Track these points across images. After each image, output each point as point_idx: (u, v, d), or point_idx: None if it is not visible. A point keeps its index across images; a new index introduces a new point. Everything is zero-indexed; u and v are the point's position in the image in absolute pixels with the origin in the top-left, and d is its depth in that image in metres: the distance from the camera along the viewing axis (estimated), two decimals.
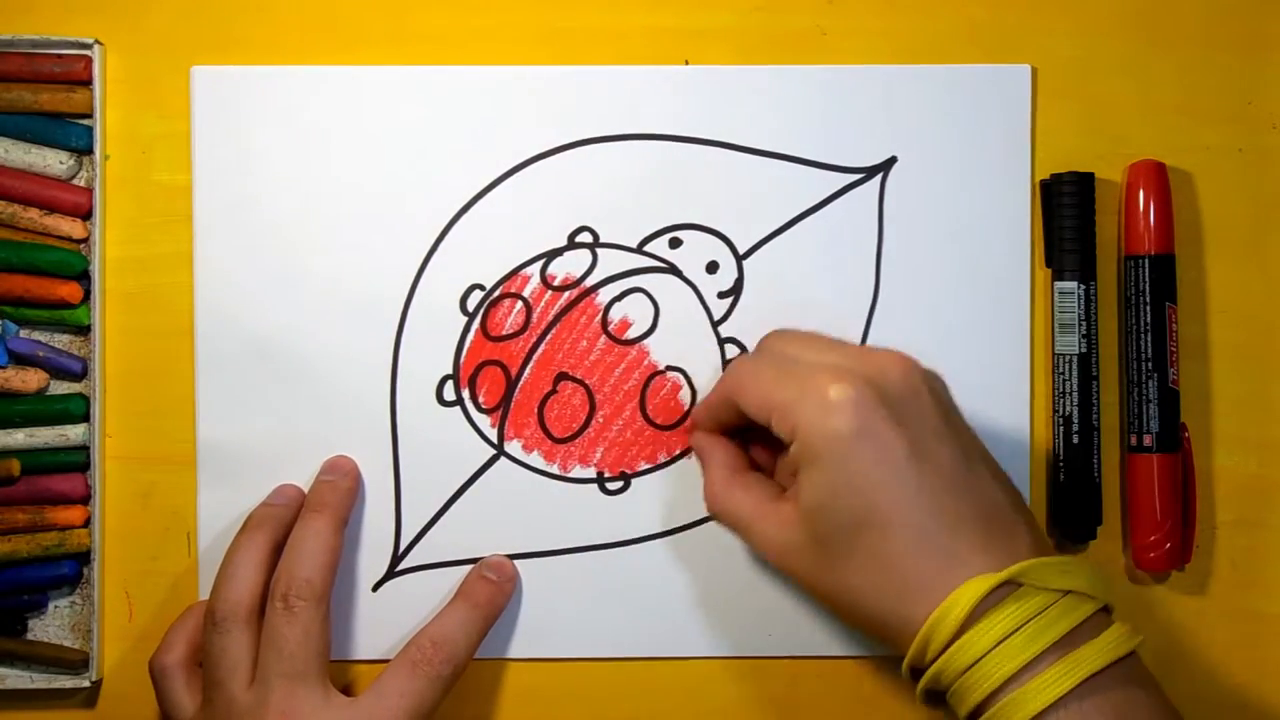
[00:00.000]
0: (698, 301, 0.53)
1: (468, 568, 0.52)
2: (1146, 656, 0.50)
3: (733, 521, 0.49)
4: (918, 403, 0.44)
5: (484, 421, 0.52)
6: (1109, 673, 0.42)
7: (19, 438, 0.51)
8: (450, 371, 0.52)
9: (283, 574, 0.49)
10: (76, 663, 0.52)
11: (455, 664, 0.49)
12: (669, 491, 0.52)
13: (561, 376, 0.52)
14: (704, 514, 0.52)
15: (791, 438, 0.45)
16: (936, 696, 0.44)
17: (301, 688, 0.47)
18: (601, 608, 0.52)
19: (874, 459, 0.43)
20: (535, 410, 0.52)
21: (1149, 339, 0.51)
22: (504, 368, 0.52)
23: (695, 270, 0.52)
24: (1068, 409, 0.52)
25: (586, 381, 0.52)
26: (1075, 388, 0.52)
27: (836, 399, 0.43)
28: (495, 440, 0.53)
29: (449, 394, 0.52)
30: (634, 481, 0.53)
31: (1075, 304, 0.52)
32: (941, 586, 0.42)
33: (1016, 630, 0.42)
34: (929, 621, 0.42)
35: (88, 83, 0.52)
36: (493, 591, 0.51)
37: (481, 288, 0.52)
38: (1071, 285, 0.52)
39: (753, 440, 0.51)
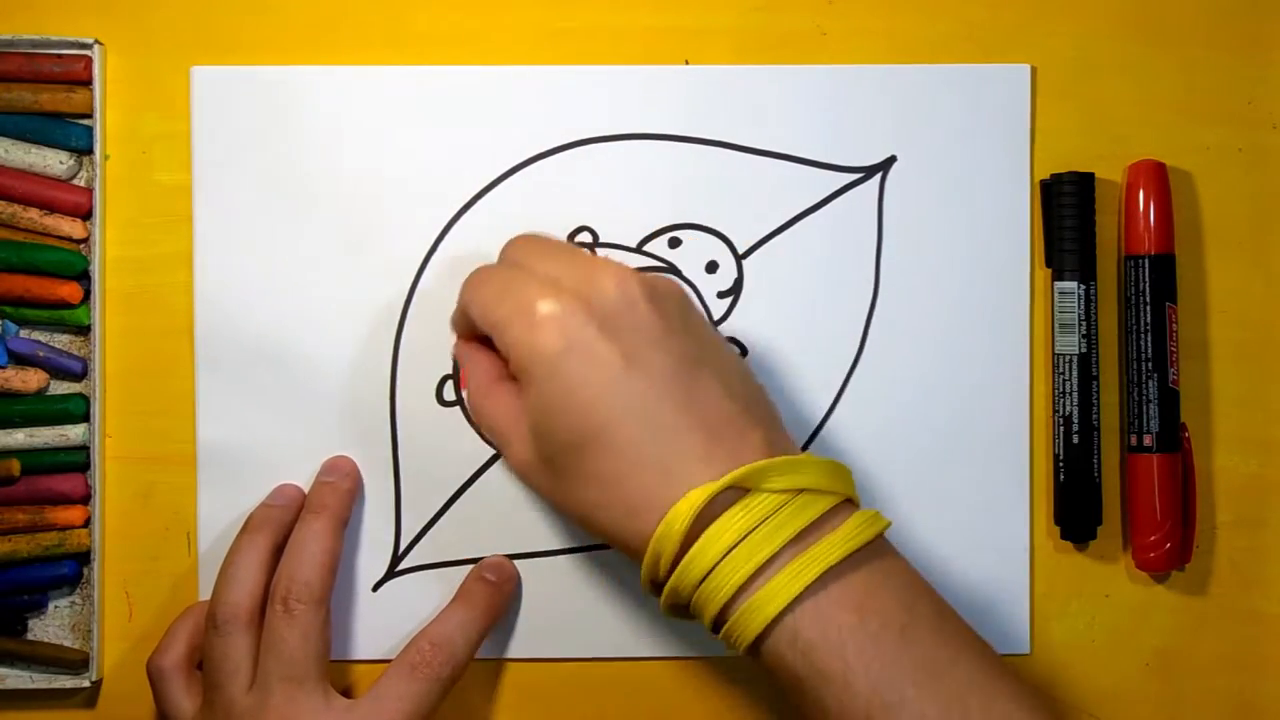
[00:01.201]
0: (698, 301, 0.52)
1: (468, 568, 0.52)
2: (1145, 655, 0.50)
3: (489, 434, 0.47)
4: (633, 314, 0.43)
5: None
6: (849, 562, 0.41)
7: (19, 438, 0.51)
8: (450, 371, 0.52)
9: (282, 577, 0.49)
10: (76, 663, 0.52)
11: (454, 666, 0.49)
12: None
13: None
14: None
15: (508, 355, 0.44)
16: (682, 609, 0.43)
17: (301, 691, 0.47)
18: (601, 608, 0.52)
19: (584, 375, 0.42)
20: None
21: (1149, 339, 0.51)
22: None
23: (695, 270, 0.52)
24: (1068, 409, 0.52)
25: None
26: (1075, 388, 0.52)
27: (542, 315, 0.42)
28: None
29: (449, 394, 0.52)
30: None
31: (1075, 304, 0.52)
32: (664, 500, 0.41)
33: (746, 535, 0.40)
34: (655, 536, 0.41)
35: (88, 83, 0.52)
36: (492, 593, 0.51)
37: None
38: (1071, 285, 0.52)
39: None
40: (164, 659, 0.50)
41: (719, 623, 0.42)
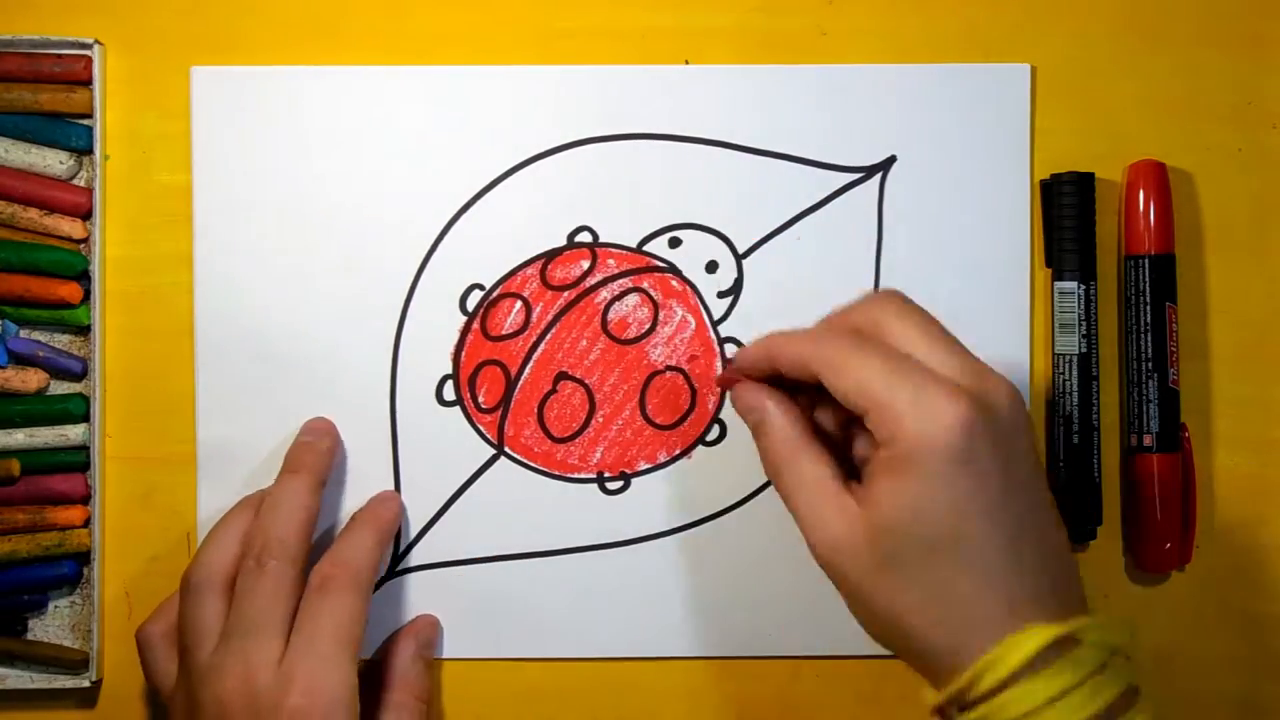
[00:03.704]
0: (697, 301, 0.53)
1: (468, 568, 0.52)
2: (1145, 655, 0.50)
3: (790, 494, 0.44)
4: (1018, 438, 0.42)
5: (484, 421, 0.52)
6: None
7: (19, 438, 0.51)
8: (450, 371, 0.52)
9: (256, 533, 0.48)
10: (76, 663, 0.52)
11: (360, 573, 0.48)
12: (669, 491, 0.52)
13: (561, 376, 0.53)
14: (703, 514, 0.52)
15: (888, 441, 0.42)
16: None
17: (255, 641, 0.46)
18: (601, 608, 0.52)
19: (971, 488, 0.41)
20: (535, 410, 0.52)
21: (1149, 339, 0.51)
22: (504, 367, 0.52)
23: (695, 270, 0.52)
24: (1068, 409, 0.52)
25: (586, 381, 0.53)
26: (1075, 388, 0.52)
27: (953, 420, 0.41)
28: (495, 440, 0.53)
29: (449, 394, 0.52)
30: (634, 481, 0.53)
31: (1075, 304, 0.52)
32: (998, 628, 0.41)
33: (1072, 689, 0.40)
34: (982, 661, 0.41)
35: (88, 83, 0.52)
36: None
37: (481, 287, 0.53)
38: (1071, 285, 0.52)
39: (799, 395, 0.46)
40: (154, 626, 0.49)
41: None
